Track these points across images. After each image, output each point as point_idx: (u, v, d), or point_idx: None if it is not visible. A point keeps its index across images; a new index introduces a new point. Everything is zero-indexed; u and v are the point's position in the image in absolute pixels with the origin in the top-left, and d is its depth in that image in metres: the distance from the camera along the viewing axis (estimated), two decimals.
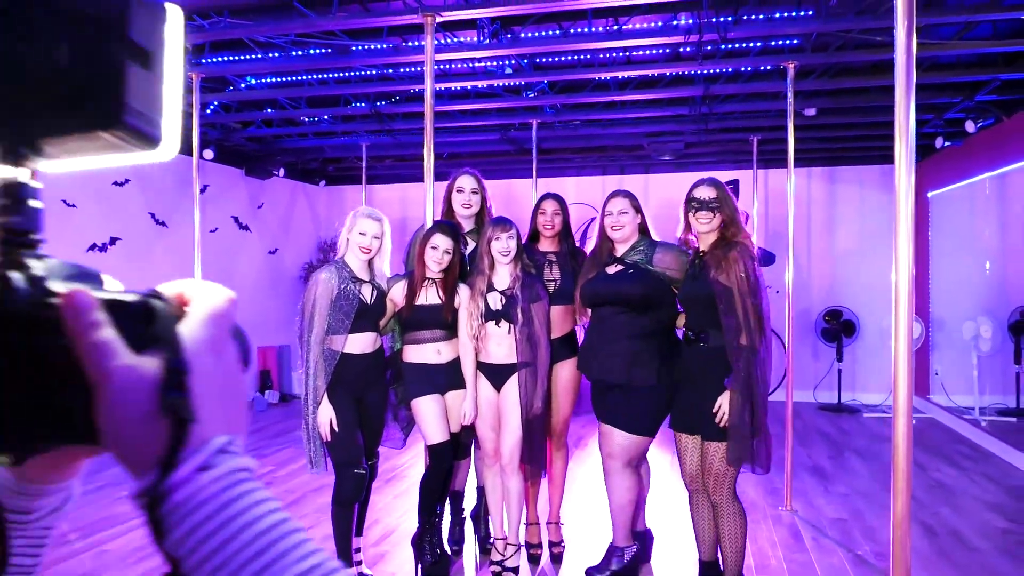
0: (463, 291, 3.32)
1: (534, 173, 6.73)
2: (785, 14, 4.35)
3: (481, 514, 3.79)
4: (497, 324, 3.27)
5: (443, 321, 3.28)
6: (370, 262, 3.26)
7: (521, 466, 3.35)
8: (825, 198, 8.45)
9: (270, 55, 4.80)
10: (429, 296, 3.27)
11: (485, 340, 3.29)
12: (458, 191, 3.58)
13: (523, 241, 3.39)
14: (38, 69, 0.38)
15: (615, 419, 3.18)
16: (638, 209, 3.27)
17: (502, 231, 3.26)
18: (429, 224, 3.49)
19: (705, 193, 2.98)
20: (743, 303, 2.82)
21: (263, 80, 5.75)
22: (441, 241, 3.23)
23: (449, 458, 3.30)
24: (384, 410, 3.37)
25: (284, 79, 5.67)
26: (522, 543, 3.52)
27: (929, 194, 7.41)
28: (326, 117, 6.61)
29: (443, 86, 5.77)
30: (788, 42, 4.85)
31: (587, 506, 4.40)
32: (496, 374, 3.32)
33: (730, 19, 4.22)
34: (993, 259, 7.58)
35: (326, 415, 3.12)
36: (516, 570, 3.37)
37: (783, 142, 7.12)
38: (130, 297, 0.40)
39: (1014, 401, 7.11)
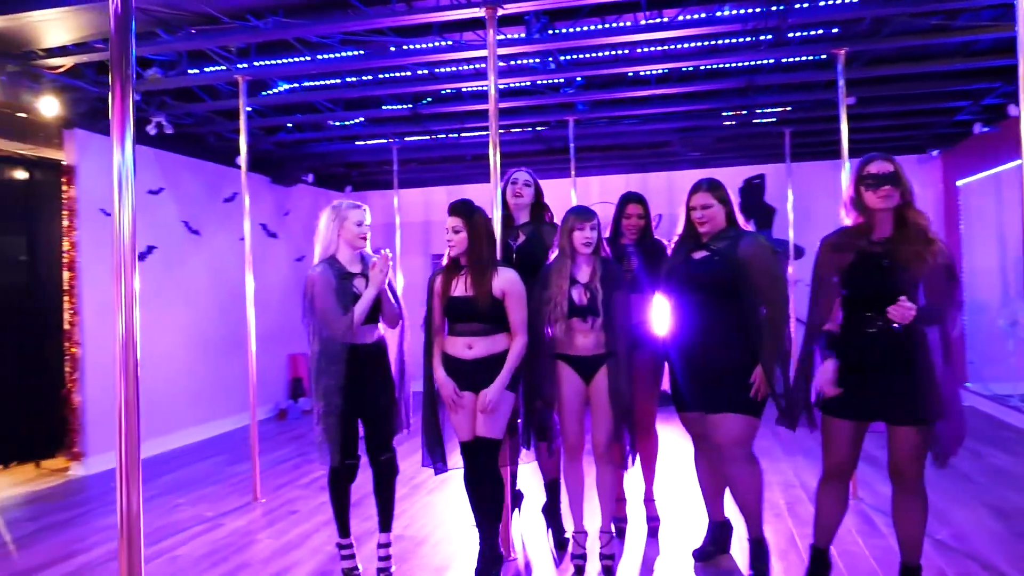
0: (505, 279, 3.16)
1: (572, 172, 6.74)
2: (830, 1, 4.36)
3: (554, 508, 3.75)
4: (584, 320, 3.22)
5: (478, 313, 3.14)
6: (362, 253, 3.33)
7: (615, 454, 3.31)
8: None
9: (318, 56, 4.78)
10: (464, 287, 3.18)
11: (571, 334, 3.25)
12: (512, 183, 3.69)
13: (605, 238, 3.41)
14: None
15: (733, 405, 3.08)
16: (722, 200, 3.23)
17: (584, 220, 3.22)
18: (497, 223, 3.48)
19: (881, 167, 2.76)
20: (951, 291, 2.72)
21: (297, 83, 5.71)
22: (449, 221, 3.16)
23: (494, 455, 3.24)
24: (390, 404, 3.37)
25: (320, 82, 5.65)
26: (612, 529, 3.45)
27: (958, 183, 7.42)
28: (360, 120, 6.58)
29: (476, 86, 5.74)
30: (828, 31, 4.84)
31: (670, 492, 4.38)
32: (585, 366, 3.26)
33: (781, 7, 4.21)
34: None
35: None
36: (612, 556, 3.35)
37: (816, 134, 7.18)
38: None
39: None
